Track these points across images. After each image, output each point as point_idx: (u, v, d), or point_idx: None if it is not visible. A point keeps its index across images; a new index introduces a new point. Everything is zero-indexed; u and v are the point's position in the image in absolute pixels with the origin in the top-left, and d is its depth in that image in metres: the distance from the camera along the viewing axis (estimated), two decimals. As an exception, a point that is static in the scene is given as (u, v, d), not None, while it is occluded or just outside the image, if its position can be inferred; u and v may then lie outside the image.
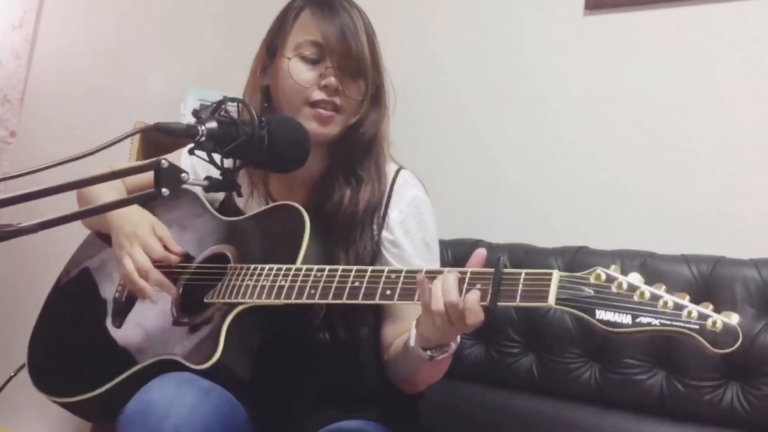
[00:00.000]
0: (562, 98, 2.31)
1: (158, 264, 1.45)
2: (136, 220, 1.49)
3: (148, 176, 1.13)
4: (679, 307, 1.01)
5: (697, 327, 1.00)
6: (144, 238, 1.46)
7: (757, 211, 1.96)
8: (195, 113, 1.24)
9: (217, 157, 1.24)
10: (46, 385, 1.51)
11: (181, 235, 1.54)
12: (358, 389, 1.50)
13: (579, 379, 1.86)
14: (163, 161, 1.13)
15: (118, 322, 1.51)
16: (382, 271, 1.25)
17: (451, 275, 1.18)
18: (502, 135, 2.41)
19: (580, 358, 1.87)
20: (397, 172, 1.56)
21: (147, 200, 1.31)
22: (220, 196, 1.62)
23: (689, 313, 1.00)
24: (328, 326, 1.43)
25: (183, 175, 1.14)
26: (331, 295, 1.26)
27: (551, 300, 1.08)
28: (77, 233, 1.71)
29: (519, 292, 1.12)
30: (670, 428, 1.74)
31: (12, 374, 1.98)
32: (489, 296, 1.14)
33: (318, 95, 1.46)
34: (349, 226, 1.47)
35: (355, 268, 1.28)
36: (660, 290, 1.03)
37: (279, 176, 1.53)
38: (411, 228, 1.51)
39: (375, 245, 1.49)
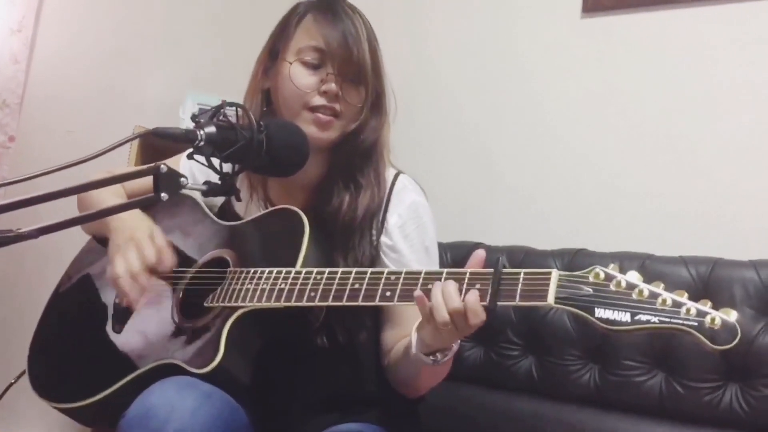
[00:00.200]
0: (560, 100, 2.32)
1: (151, 271, 1.42)
2: (135, 225, 1.47)
3: (148, 181, 1.13)
4: (677, 304, 1.02)
5: (695, 324, 1.00)
6: (140, 242, 1.42)
7: (755, 212, 1.97)
8: (194, 118, 1.24)
9: (216, 161, 1.24)
10: (47, 391, 1.50)
11: (180, 239, 1.53)
12: (357, 392, 1.50)
13: (578, 380, 1.86)
14: (162, 166, 1.12)
15: (119, 327, 1.50)
16: (382, 272, 1.25)
17: (450, 283, 1.18)
18: (500, 137, 2.42)
19: (580, 359, 1.87)
20: (396, 176, 1.56)
21: (146, 205, 1.31)
22: (219, 200, 1.62)
23: (688, 310, 1.01)
24: (327, 330, 1.43)
25: (182, 179, 1.14)
26: (331, 297, 1.26)
27: (550, 299, 1.09)
28: (77, 238, 1.71)
29: (518, 291, 1.12)
30: (670, 429, 1.74)
31: (12, 381, 1.98)
32: (489, 296, 1.14)
33: (318, 100, 1.46)
34: (347, 232, 1.47)
35: (354, 270, 1.28)
36: (658, 288, 1.04)
37: (278, 180, 1.54)
38: (410, 233, 1.51)
39: (374, 250, 1.49)
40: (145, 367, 1.37)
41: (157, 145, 2.05)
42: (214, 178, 1.28)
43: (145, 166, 1.17)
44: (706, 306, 1.01)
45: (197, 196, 1.60)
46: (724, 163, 2.03)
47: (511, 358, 1.96)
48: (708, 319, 0.99)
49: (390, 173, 1.56)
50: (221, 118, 1.24)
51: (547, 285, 1.10)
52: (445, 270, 1.21)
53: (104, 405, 1.40)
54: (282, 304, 1.29)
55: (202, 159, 1.23)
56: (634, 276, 1.06)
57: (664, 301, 1.02)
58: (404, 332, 1.40)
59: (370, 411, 1.48)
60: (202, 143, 1.19)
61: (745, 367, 1.67)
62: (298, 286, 1.29)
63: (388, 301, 1.23)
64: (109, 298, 1.56)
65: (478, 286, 1.16)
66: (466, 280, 1.17)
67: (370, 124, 1.52)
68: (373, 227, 1.50)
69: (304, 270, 1.31)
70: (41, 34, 2.39)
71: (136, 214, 1.51)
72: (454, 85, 2.53)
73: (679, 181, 2.09)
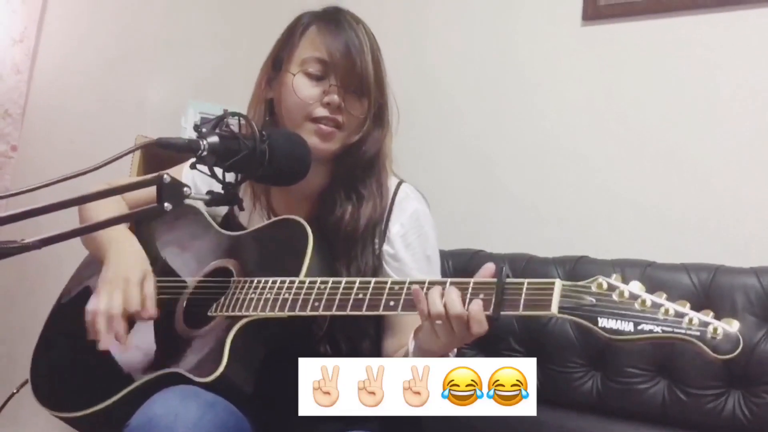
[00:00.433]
0: (561, 108, 2.32)
1: (130, 317, 1.41)
2: (131, 264, 1.46)
3: (149, 192, 1.13)
4: (680, 314, 1.02)
5: (698, 334, 1.01)
6: (129, 285, 1.41)
7: (756, 219, 1.97)
8: (196, 128, 1.24)
9: (218, 171, 1.24)
10: (50, 401, 1.50)
11: (183, 249, 1.54)
12: (360, 401, 1.50)
13: (580, 388, 1.86)
14: (165, 176, 1.12)
15: (121, 336, 1.50)
16: (386, 282, 1.25)
17: (453, 290, 1.18)
18: (501, 145, 2.42)
19: (582, 367, 1.87)
20: (398, 185, 1.56)
21: (149, 215, 1.31)
22: (223, 210, 1.62)
23: (690, 320, 1.01)
24: (330, 339, 1.44)
25: (185, 189, 1.14)
26: (335, 307, 1.26)
27: (554, 309, 1.09)
28: (78, 248, 1.70)
29: (522, 301, 1.12)
30: (672, 437, 1.74)
31: (15, 390, 1.98)
32: (492, 306, 1.14)
33: (320, 112, 1.46)
34: (350, 242, 1.47)
35: (358, 279, 1.28)
36: (661, 298, 1.05)
37: (281, 190, 1.54)
38: (412, 242, 1.51)
39: (376, 260, 1.49)
40: (148, 377, 1.37)
41: (159, 154, 2.05)
42: (217, 188, 1.29)
43: (148, 176, 1.17)
44: (708, 316, 1.02)
45: (200, 205, 1.60)
46: (724, 171, 2.04)
47: (513, 365, 1.96)
48: (710, 329, 1.00)
49: (392, 182, 1.56)
50: (224, 127, 1.24)
51: (551, 295, 1.10)
52: (449, 279, 1.21)
53: (107, 414, 1.40)
54: (286, 313, 1.29)
55: (204, 169, 1.23)
56: (636, 286, 1.07)
57: (666, 311, 1.02)
58: (405, 340, 1.40)
59: (372, 419, 1.48)
60: (205, 153, 1.19)
61: (748, 374, 1.67)
62: (302, 296, 1.29)
63: (392, 310, 1.23)
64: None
65: (482, 295, 1.16)
66: (470, 290, 1.17)
67: (372, 135, 1.52)
68: (376, 236, 1.50)
69: (308, 280, 1.31)
70: (43, 44, 2.41)
71: (136, 250, 1.50)
72: (455, 93, 2.54)
73: (680, 188, 2.09)
